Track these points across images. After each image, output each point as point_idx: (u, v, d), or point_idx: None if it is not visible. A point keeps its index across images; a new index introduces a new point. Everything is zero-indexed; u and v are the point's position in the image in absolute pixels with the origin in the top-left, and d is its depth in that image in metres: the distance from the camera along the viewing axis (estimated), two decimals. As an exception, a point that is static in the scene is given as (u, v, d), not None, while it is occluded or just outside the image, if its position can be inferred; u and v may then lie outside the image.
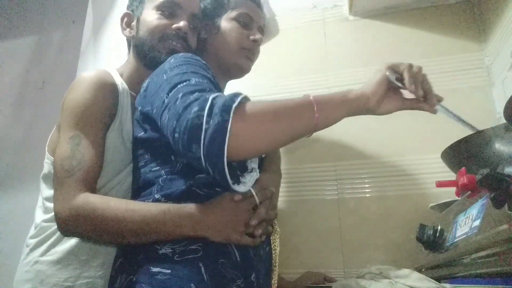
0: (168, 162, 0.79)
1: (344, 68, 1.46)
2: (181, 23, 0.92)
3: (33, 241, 0.89)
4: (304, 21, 1.58)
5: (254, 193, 0.74)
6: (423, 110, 0.77)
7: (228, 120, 0.61)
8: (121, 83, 0.92)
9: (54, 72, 2.00)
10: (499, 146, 0.82)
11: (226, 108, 0.62)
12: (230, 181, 0.64)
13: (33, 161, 1.79)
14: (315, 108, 0.68)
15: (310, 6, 1.59)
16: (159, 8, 0.94)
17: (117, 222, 0.72)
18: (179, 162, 0.78)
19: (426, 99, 0.76)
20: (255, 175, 0.71)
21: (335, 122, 0.73)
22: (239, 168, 0.70)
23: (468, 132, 0.87)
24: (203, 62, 0.83)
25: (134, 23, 0.98)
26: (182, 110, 0.65)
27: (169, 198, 0.76)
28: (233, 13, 0.98)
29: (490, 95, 1.29)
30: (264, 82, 1.53)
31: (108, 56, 1.69)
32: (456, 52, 1.36)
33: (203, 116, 0.62)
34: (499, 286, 0.66)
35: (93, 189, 0.78)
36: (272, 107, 0.68)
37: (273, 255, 0.87)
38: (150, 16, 0.94)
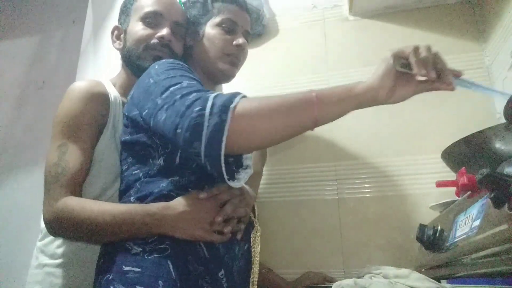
0: (147, 165, 0.81)
1: (344, 68, 1.46)
2: (164, 32, 0.95)
3: (40, 245, 0.94)
4: (304, 21, 1.58)
5: (247, 189, 0.76)
6: (441, 89, 0.72)
7: (226, 120, 0.65)
8: (113, 91, 0.95)
9: (54, 72, 2.00)
10: (499, 146, 0.82)
11: (224, 109, 0.65)
12: (226, 177, 0.67)
13: (33, 161, 1.79)
14: (316, 104, 0.68)
15: (310, 6, 1.59)
16: (142, 19, 0.97)
17: (90, 223, 0.76)
18: (156, 165, 0.80)
19: (441, 78, 0.70)
20: (249, 171, 0.74)
21: (340, 117, 0.71)
22: (235, 164, 0.72)
23: (469, 132, 0.87)
24: (187, 66, 0.85)
25: (122, 35, 1.01)
26: (185, 108, 0.68)
27: (142, 200, 0.79)
28: (217, 19, 0.98)
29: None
30: (264, 82, 1.53)
31: (108, 56, 1.69)
32: (456, 52, 1.36)
33: (204, 115, 0.65)
34: (499, 286, 0.66)
35: (77, 193, 0.83)
36: (269, 103, 0.69)
37: (252, 253, 0.88)
38: (135, 27, 0.97)
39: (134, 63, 0.96)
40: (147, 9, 0.97)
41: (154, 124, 0.75)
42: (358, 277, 0.92)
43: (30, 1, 2.19)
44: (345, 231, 1.30)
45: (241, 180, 0.71)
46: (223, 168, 0.66)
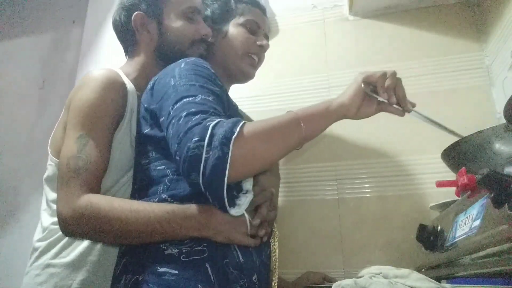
0: (174, 162, 0.78)
1: (344, 68, 1.46)
2: (208, 30, 0.97)
3: (42, 244, 0.88)
4: (304, 21, 1.58)
5: (247, 218, 0.75)
6: (394, 114, 0.82)
7: (228, 153, 0.65)
8: (128, 82, 0.91)
9: (54, 72, 2.00)
10: (499, 146, 0.82)
11: (225, 142, 0.65)
12: (228, 208, 0.68)
13: (33, 161, 1.79)
14: (302, 123, 0.73)
15: (310, 6, 1.59)
16: (184, 14, 0.96)
17: (121, 223, 0.72)
18: None
19: (400, 105, 0.80)
20: (250, 196, 0.74)
21: (321, 132, 0.78)
22: (235, 189, 0.72)
23: (469, 132, 0.87)
24: (213, 71, 0.84)
25: (152, 26, 0.97)
26: (183, 134, 0.68)
27: (175, 198, 0.77)
28: (240, 19, 1.01)
29: (490, 95, 1.29)
30: (264, 82, 1.53)
31: (108, 56, 1.69)
32: (456, 52, 1.36)
33: (202, 146, 0.65)
34: (499, 286, 0.66)
35: (97, 190, 0.78)
36: (264, 129, 0.71)
37: (273, 258, 0.88)
38: (176, 22, 0.96)
39: (175, 59, 0.89)
40: (188, 4, 0.96)
41: (167, 138, 0.75)
42: (358, 277, 0.92)
43: (30, 1, 2.19)
44: (345, 231, 1.30)
45: (241, 206, 0.71)
46: (226, 201, 0.66)
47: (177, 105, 0.73)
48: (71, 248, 0.86)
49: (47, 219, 0.90)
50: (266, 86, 1.53)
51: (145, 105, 0.84)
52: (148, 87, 0.86)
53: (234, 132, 0.66)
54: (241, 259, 0.76)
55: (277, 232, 0.91)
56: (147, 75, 0.94)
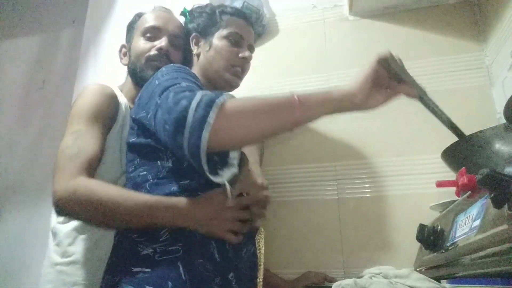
0: (155, 167, 0.83)
1: (344, 68, 1.46)
2: (162, 44, 1.03)
3: (53, 245, 0.95)
4: (304, 21, 1.58)
5: (228, 188, 0.76)
6: (406, 94, 0.75)
7: (209, 113, 0.66)
8: (121, 95, 1.00)
9: (54, 72, 2.00)
10: (499, 146, 0.82)
11: (210, 103, 0.67)
12: (206, 170, 0.68)
13: (34, 161, 1.79)
14: (297, 107, 0.71)
15: (310, 6, 1.59)
16: (142, 34, 1.05)
17: (111, 204, 0.76)
18: (165, 167, 0.82)
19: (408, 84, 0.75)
20: (234, 170, 0.75)
21: (317, 119, 0.74)
22: (220, 163, 0.75)
23: (469, 132, 0.87)
24: (191, 71, 0.89)
25: (128, 51, 1.09)
26: (173, 105, 0.70)
27: None
28: (224, 32, 1.02)
29: (490, 95, 1.29)
30: (264, 82, 1.53)
31: (108, 56, 1.69)
32: (456, 52, 1.36)
33: (189, 108, 0.67)
34: (499, 286, 0.66)
35: (91, 175, 0.82)
36: (253, 103, 0.73)
37: (258, 255, 0.89)
38: (137, 42, 1.06)
39: (138, 75, 1.02)
40: (147, 24, 1.06)
41: (155, 125, 0.76)
42: (358, 277, 0.92)
43: (30, 1, 2.19)
44: (345, 231, 1.30)
45: (223, 176, 0.73)
46: (203, 161, 0.67)
47: (164, 94, 0.76)
48: (75, 246, 0.92)
49: (54, 220, 0.98)
50: (266, 86, 1.53)
51: (133, 116, 0.88)
52: (136, 100, 0.90)
53: (221, 99, 0.68)
54: (217, 257, 0.78)
55: (262, 230, 0.92)
56: (136, 94, 1.00)
